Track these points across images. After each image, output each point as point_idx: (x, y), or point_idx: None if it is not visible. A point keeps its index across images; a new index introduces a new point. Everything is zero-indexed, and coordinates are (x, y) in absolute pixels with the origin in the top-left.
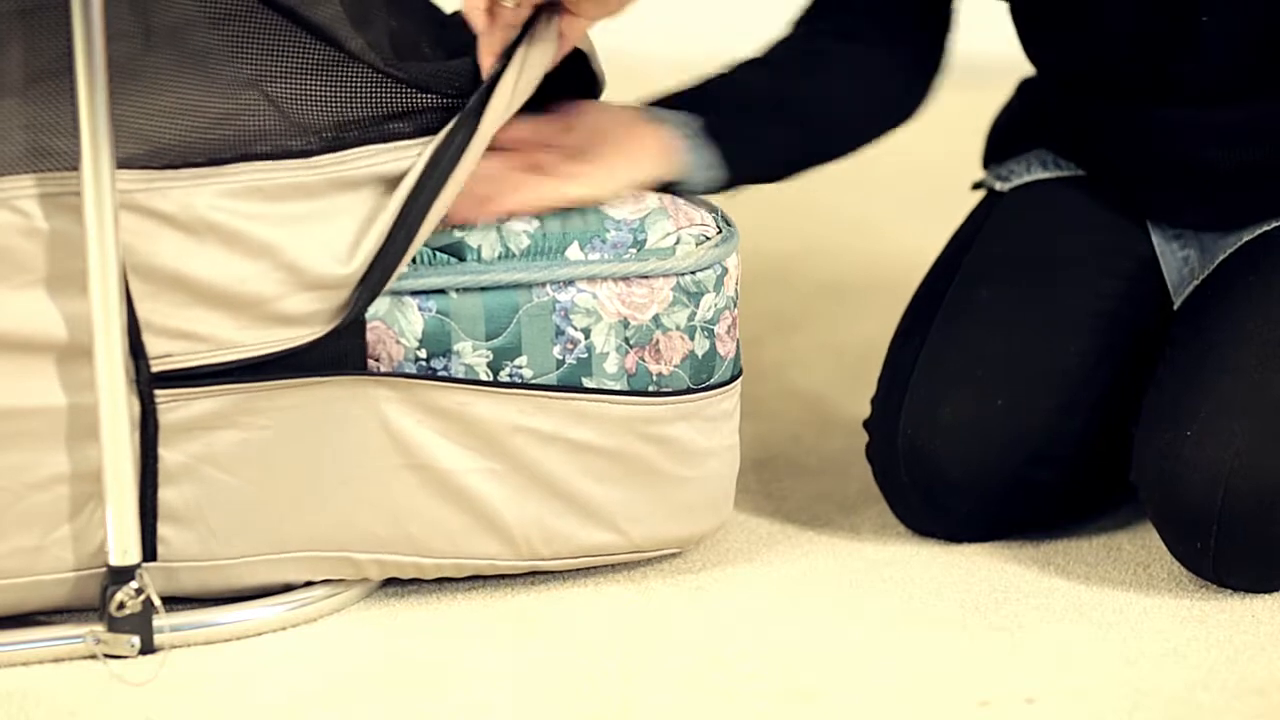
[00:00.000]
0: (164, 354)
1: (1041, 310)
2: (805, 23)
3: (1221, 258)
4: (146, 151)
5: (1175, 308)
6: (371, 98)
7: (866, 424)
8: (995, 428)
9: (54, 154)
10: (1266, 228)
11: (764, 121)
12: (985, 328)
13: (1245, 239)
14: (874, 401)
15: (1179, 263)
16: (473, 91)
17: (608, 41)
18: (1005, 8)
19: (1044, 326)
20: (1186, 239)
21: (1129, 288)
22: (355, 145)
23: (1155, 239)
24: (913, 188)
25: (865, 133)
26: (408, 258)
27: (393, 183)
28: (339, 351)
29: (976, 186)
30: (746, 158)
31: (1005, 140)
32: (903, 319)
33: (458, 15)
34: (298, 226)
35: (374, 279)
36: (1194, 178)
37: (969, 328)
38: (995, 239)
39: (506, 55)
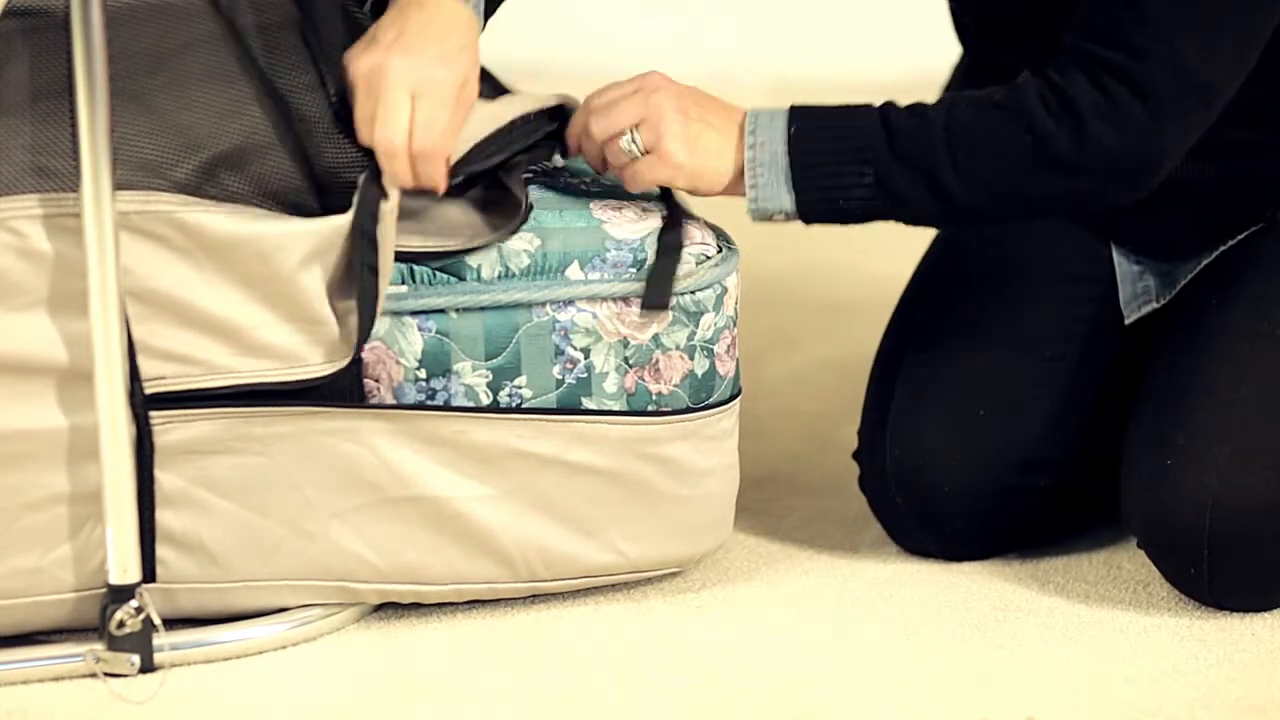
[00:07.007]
0: (157, 376)
1: (1014, 318)
2: None
3: (1183, 282)
4: (146, 174)
5: (1126, 322)
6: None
7: (855, 455)
8: (981, 438)
9: (54, 174)
10: (1223, 248)
11: None
12: (961, 341)
13: (1205, 261)
14: (860, 432)
15: (1134, 276)
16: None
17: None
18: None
19: (1018, 334)
20: (1145, 262)
21: (1103, 292)
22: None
23: (1115, 256)
24: None
25: None
26: (382, 296)
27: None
28: (333, 383)
29: None
30: None
31: None
32: (881, 344)
33: None
34: (295, 259)
35: (364, 321)
36: (1169, 193)
37: (945, 343)
38: (962, 254)
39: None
